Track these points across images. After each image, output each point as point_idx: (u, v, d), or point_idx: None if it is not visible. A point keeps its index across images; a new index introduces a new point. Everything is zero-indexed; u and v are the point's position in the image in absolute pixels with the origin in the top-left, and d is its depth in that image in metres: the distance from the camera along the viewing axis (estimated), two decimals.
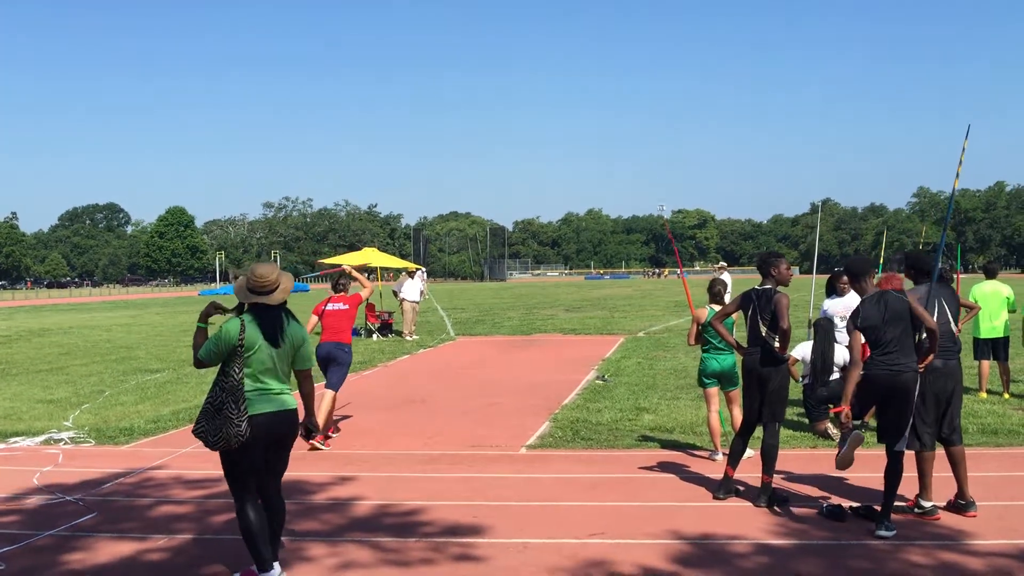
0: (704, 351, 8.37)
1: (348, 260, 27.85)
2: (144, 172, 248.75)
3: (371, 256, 27.68)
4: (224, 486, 7.74)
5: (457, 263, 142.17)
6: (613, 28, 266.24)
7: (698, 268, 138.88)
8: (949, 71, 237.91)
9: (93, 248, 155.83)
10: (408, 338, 22.60)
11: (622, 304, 39.90)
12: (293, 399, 5.45)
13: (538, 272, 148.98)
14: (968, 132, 8.01)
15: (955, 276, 7.14)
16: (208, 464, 8.58)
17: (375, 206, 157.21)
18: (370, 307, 24.36)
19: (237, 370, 5.19)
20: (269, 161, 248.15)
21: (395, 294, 24.05)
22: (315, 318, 9.97)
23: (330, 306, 9.98)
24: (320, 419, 8.98)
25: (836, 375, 8.76)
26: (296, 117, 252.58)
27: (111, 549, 6.04)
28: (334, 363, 9.80)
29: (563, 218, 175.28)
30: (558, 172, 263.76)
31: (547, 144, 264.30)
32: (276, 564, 5.26)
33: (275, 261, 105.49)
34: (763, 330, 7.12)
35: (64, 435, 10.19)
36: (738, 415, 8.31)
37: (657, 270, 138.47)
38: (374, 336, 23.19)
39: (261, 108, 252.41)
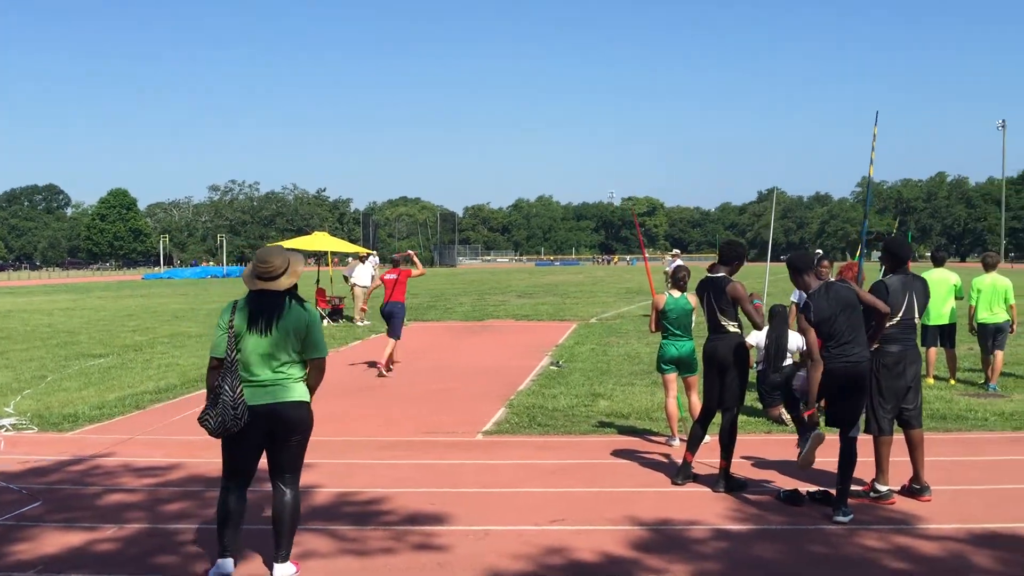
0: (663, 337, 8.38)
1: (299, 244, 27.45)
2: (85, 153, 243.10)
3: (321, 241, 27.32)
4: (175, 474, 7.60)
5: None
6: (564, 13, 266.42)
7: (648, 255, 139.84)
8: (891, 62, 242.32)
9: (32, 230, 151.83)
10: (359, 323, 22.37)
11: (573, 291, 40.01)
12: (295, 389, 5.10)
13: (488, 258, 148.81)
14: (876, 118, 8.12)
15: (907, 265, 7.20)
16: (158, 452, 8.39)
17: (324, 190, 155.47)
18: (320, 292, 24.07)
19: (231, 353, 5.01)
20: (215, 143, 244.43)
21: (346, 279, 23.77)
22: (378, 282, 14.82)
23: (387, 276, 14.24)
24: (383, 358, 13.72)
25: (788, 361, 8.83)
26: (242, 99, 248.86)
27: (59, 539, 5.85)
28: (393, 317, 13.85)
29: (513, 204, 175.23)
30: (509, 158, 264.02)
31: (498, 130, 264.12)
32: (278, 562, 5.10)
33: (221, 245, 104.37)
34: (720, 318, 7.16)
35: (5, 421, 9.88)
36: (696, 401, 8.34)
37: (607, 257, 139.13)
38: (325, 321, 22.92)
39: (206, 89, 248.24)
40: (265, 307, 5.07)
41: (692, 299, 8.19)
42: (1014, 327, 11.90)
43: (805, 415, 6.45)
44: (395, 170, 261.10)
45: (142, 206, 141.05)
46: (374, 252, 28.42)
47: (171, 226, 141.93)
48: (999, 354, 11.58)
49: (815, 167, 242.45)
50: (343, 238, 72.96)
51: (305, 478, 7.28)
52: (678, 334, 8.28)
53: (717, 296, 7.16)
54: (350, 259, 24.49)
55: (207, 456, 8.08)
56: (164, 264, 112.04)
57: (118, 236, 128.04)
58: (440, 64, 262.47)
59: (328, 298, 23.97)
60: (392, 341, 13.75)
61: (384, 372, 13.51)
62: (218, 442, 5.15)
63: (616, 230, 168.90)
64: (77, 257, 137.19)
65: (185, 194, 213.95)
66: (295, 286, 5.21)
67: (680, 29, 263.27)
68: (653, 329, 8.53)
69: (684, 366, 8.37)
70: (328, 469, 7.57)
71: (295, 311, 5.12)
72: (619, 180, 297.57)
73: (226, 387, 4.93)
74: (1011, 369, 12.83)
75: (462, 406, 10.76)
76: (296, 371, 5.15)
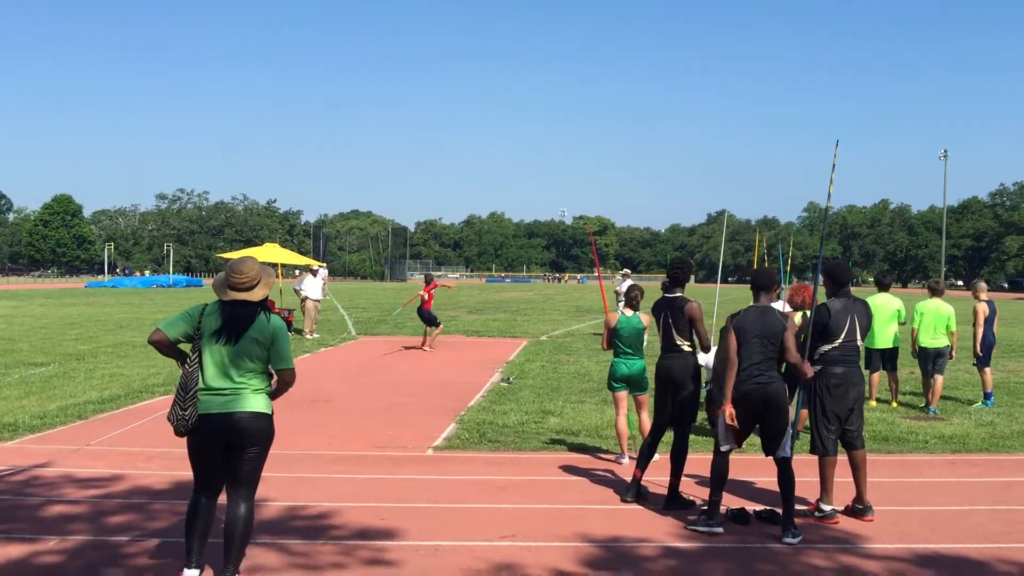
0: (615, 355, 8.46)
1: (247, 255, 27.05)
2: (28, 157, 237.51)
3: (272, 252, 27.07)
4: (118, 485, 7.45)
5: (357, 262, 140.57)
6: (517, 29, 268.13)
7: (618, 276, 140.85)
8: (838, 89, 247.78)
9: None
10: (308, 336, 22.18)
11: (524, 308, 40.11)
12: (254, 400, 5.03)
13: (439, 274, 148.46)
14: (837, 145, 8.34)
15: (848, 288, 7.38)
16: (100, 463, 8.22)
17: (274, 201, 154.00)
18: (270, 304, 23.78)
19: (193, 355, 5.00)
20: (163, 151, 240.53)
21: (296, 292, 23.55)
22: (421, 296, 20.37)
23: (430, 289, 20.09)
24: (429, 344, 19.89)
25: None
26: (191, 107, 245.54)
27: None
28: (426, 319, 20.09)
29: (465, 220, 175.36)
30: (462, 174, 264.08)
31: (451, 146, 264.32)
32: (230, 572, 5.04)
33: (168, 255, 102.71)
34: (676, 338, 7.26)
35: None
36: (646, 419, 8.42)
37: (558, 275, 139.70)
38: None
39: (155, 96, 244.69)
40: (236, 317, 5.04)
41: (645, 318, 8.29)
42: (954, 353, 12.21)
43: (716, 412, 6.58)
44: (347, 183, 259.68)
45: (87, 213, 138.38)
46: (324, 265, 28.16)
47: (116, 234, 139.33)
48: (939, 378, 11.86)
49: (763, 191, 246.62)
50: (293, 250, 72.35)
51: None
52: (629, 352, 8.36)
53: (675, 315, 7.26)
54: (298, 272, 24.33)
55: (151, 468, 7.95)
56: (108, 272, 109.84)
57: (61, 243, 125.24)
58: (393, 79, 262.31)
59: (278, 310, 23.70)
60: (436, 328, 20.32)
61: (426, 348, 19.74)
62: (162, 454, 5.12)
63: (567, 248, 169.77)
64: (18, 263, 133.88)
65: (132, 202, 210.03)
66: (265, 298, 5.20)
67: (630, 50, 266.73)
68: (605, 347, 8.60)
69: (634, 384, 8.45)
70: (277, 483, 7.49)
71: (263, 322, 5.10)
72: (571, 199, 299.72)
73: (181, 388, 4.94)
74: (950, 393, 13.16)
75: (412, 421, 10.71)
76: (257, 382, 5.11)
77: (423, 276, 22.94)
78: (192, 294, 53.47)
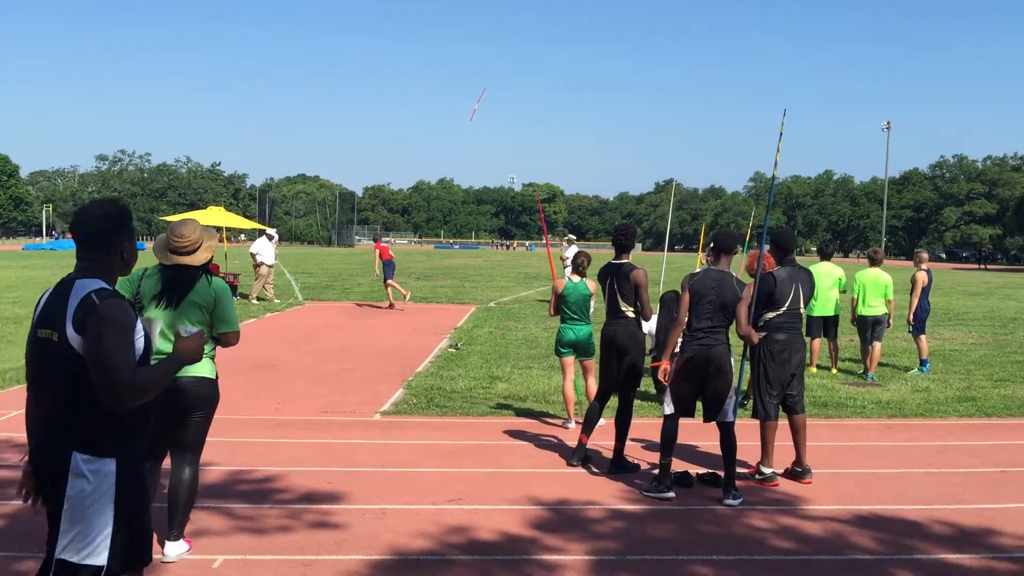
0: (562, 321, 8.50)
1: (192, 219, 26.52)
2: None
3: (216, 215, 26.58)
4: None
5: (304, 227, 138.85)
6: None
7: (564, 242, 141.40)
8: (784, 60, 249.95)
9: None
10: (253, 301, 21.94)
11: (472, 274, 40.08)
12: (198, 365, 4.88)
13: (387, 240, 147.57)
14: (784, 115, 8.43)
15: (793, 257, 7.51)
16: None
17: (218, 164, 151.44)
18: (214, 268, 23.43)
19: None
20: (103, 111, 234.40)
21: (253, 256, 23.16)
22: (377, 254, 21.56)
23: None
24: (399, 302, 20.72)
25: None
26: (132, 66, 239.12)
27: None
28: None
29: (414, 186, 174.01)
30: (411, 140, 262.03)
31: (400, 110, 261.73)
32: (170, 539, 4.99)
33: None
34: (621, 304, 7.31)
35: None
36: (592, 384, 8.50)
37: (506, 242, 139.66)
38: None
39: (94, 54, 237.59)
40: (178, 281, 4.96)
41: (591, 284, 8.34)
42: (891, 321, 12.51)
43: (651, 365, 6.68)
44: (294, 147, 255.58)
45: (24, 174, 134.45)
46: (274, 229, 27.74)
47: (55, 195, 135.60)
48: (877, 345, 12.15)
49: (710, 161, 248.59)
50: (239, 214, 71.25)
51: None
52: (576, 318, 8.41)
53: (620, 281, 7.30)
54: (243, 236, 24.11)
55: None
56: (46, 235, 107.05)
57: None
58: (342, 41, 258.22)
59: (222, 275, 23.38)
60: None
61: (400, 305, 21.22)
62: None
63: (516, 215, 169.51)
64: None
65: (71, 163, 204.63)
66: (209, 261, 5.11)
67: (582, 17, 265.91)
68: (552, 313, 8.64)
69: (581, 350, 8.51)
70: (221, 448, 7.41)
71: (204, 285, 5.01)
72: (520, 166, 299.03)
73: None
74: (888, 360, 13.49)
75: (360, 386, 10.68)
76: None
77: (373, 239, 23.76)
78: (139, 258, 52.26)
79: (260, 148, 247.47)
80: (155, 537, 5.15)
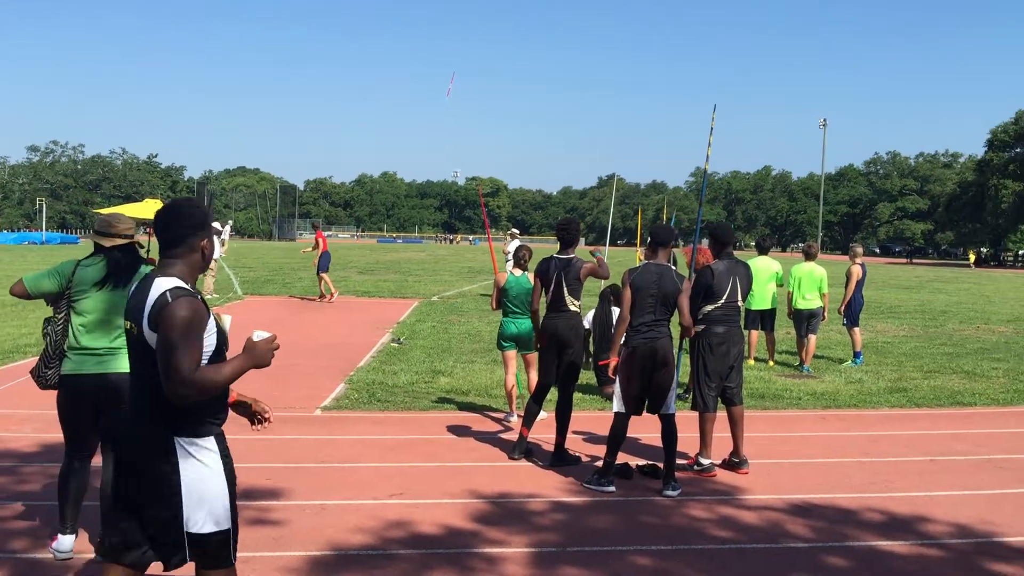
0: (504, 315, 8.51)
1: (128, 211, 26.01)
2: None
3: (154, 208, 26.03)
4: None
5: (244, 220, 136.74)
6: None
7: (506, 235, 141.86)
8: (725, 57, 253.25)
9: None
10: (208, 296, 21.59)
11: (416, 268, 39.91)
12: (121, 361, 4.81)
13: (329, 233, 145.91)
14: (715, 110, 8.55)
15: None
16: None
17: (155, 156, 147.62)
18: (151, 262, 22.94)
19: (59, 315, 4.87)
20: (35, 100, 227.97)
21: None
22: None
23: None
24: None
25: None
26: (65, 55, 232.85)
27: None
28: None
29: (356, 179, 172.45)
30: (353, 133, 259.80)
31: (342, 103, 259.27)
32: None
33: (41, 210, 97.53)
34: (567, 297, 7.32)
35: None
36: (535, 378, 8.52)
37: (450, 236, 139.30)
38: None
39: (24, 42, 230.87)
40: (123, 263, 4.94)
41: (531, 278, 8.35)
42: (826, 314, 12.77)
43: (600, 364, 6.75)
44: (233, 139, 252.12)
45: None
46: (223, 222, 27.31)
47: None
48: (812, 338, 12.40)
49: (652, 156, 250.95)
50: None
51: None
52: (518, 312, 8.42)
53: (568, 276, 7.29)
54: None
55: (23, 431, 7.62)
56: None
57: None
58: (281, 33, 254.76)
59: None
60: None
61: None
62: (35, 416, 4.92)
63: (460, 209, 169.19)
64: None
65: (1, 154, 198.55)
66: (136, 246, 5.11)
67: (526, 12, 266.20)
68: (494, 307, 8.65)
69: (523, 343, 8.53)
70: None
71: (146, 268, 4.96)
72: (465, 160, 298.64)
73: (48, 345, 4.84)
74: (823, 352, 13.79)
75: (301, 382, 10.57)
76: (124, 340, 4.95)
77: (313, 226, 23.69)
78: (67, 251, 51.10)
79: (199, 140, 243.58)
80: (85, 538, 5.07)
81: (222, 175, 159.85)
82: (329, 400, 9.49)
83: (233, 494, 3.38)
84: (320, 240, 22.08)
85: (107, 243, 4.96)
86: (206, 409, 3.32)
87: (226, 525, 3.35)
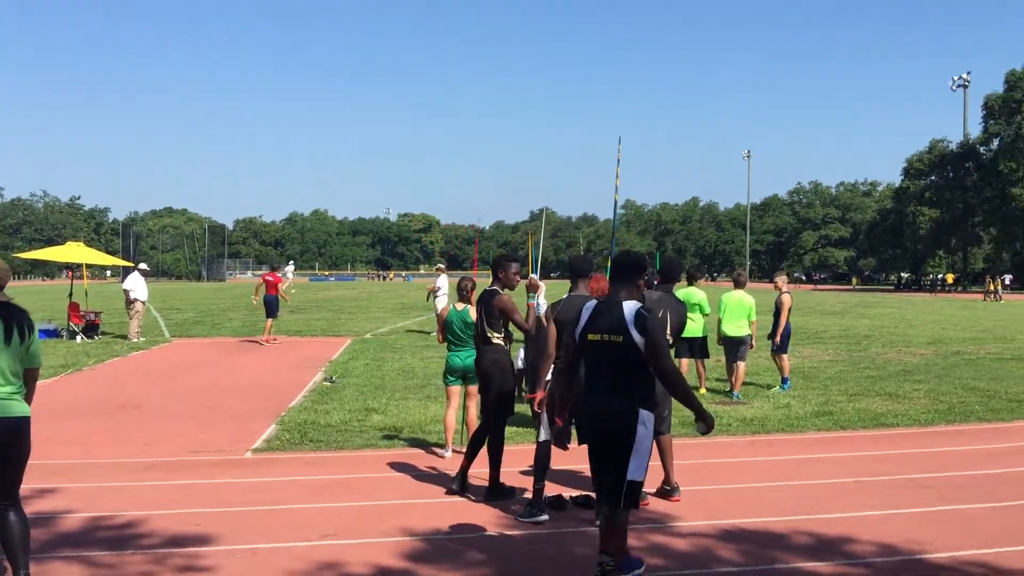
0: (448, 349, 8.52)
1: (50, 255, 25.47)
2: None
3: (76, 252, 25.48)
4: None
5: (172, 262, 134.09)
6: (341, 25, 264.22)
7: (423, 271, 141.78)
8: (648, 93, 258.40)
9: None
10: (134, 339, 21.08)
11: (348, 306, 39.57)
12: (22, 404, 4.87)
13: (260, 272, 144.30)
14: (620, 141, 8.77)
15: (654, 283, 7.80)
16: None
17: (78, 198, 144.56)
18: (74, 306, 22.41)
19: None
20: None
21: (126, 293, 22.17)
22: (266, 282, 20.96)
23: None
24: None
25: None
26: None
27: None
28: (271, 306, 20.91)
29: (287, 218, 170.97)
30: (283, 171, 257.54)
31: (272, 142, 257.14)
32: None
33: None
34: (488, 331, 7.36)
35: None
36: (472, 409, 8.55)
37: (383, 273, 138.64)
38: (77, 338, 21.36)
39: None
40: (14, 314, 4.88)
41: (474, 311, 8.35)
42: (754, 342, 13.03)
43: (527, 397, 6.79)
44: (159, 179, 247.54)
45: None
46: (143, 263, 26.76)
47: None
48: (741, 365, 12.63)
49: (583, 189, 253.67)
50: (101, 250, 68.32)
51: (51, 503, 6.85)
52: (459, 345, 8.42)
53: (488, 308, 7.35)
54: (108, 272, 23.25)
55: None
56: None
57: None
58: (206, 70, 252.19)
59: (82, 313, 22.38)
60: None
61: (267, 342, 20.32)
62: None
63: (393, 246, 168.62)
64: None
65: None
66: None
67: (452, 45, 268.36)
68: (440, 340, 8.68)
69: (468, 377, 8.50)
70: (79, 494, 7.09)
71: (24, 319, 4.94)
72: (396, 196, 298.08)
73: None
74: (752, 379, 14.04)
75: (230, 424, 10.39)
76: (20, 384, 4.94)
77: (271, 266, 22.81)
78: None
79: (123, 181, 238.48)
80: None
81: (148, 216, 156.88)
82: (259, 442, 9.33)
83: None
84: (274, 281, 21.46)
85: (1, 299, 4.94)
86: (649, 391, 4.92)
87: (644, 476, 4.98)
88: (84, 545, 5.89)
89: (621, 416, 4.91)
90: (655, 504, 7.00)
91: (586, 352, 5.14)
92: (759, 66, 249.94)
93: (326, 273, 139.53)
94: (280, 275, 23.08)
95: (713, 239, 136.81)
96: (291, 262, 28.78)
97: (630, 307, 4.98)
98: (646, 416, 4.93)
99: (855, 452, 9.04)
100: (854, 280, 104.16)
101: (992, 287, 52.63)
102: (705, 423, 5.09)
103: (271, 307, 21.01)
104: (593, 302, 5.25)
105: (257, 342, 20.68)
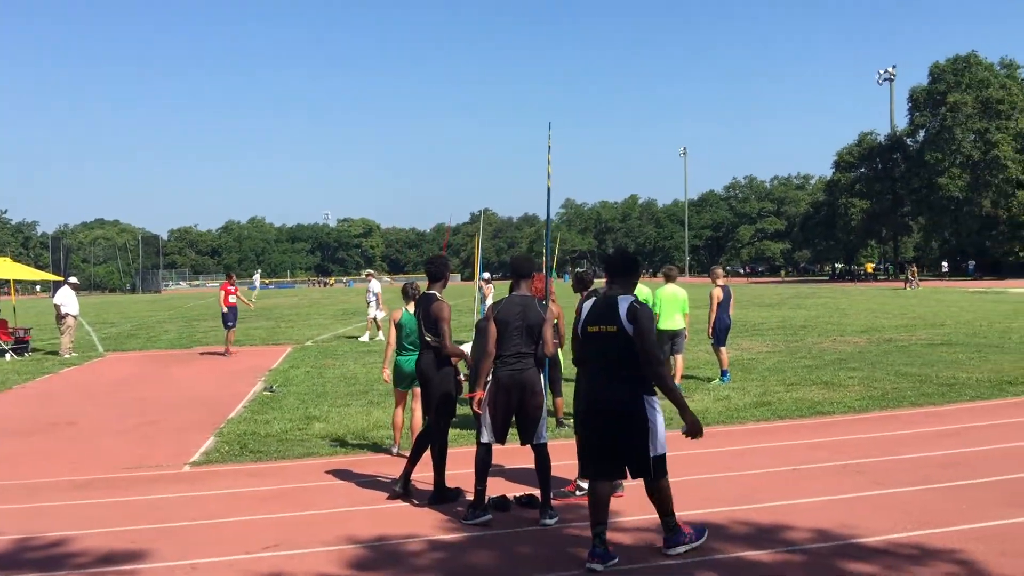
0: (397, 352, 8.51)
1: None
2: None
3: (3, 268, 24.75)
4: None
5: (104, 274, 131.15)
6: (275, 31, 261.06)
7: (363, 276, 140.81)
8: (586, 91, 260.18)
9: None
10: (67, 355, 20.54)
11: (288, 314, 39.12)
12: None
13: (197, 283, 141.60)
14: (550, 127, 8.83)
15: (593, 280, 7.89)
16: None
17: (4, 212, 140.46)
18: (2, 323, 21.77)
19: None
20: None
21: (57, 308, 21.56)
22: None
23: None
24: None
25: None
26: None
27: None
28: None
29: (223, 226, 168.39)
30: (217, 179, 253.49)
31: (205, 149, 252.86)
32: None
33: None
34: (426, 334, 7.33)
35: None
36: (417, 410, 8.52)
37: (323, 279, 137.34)
38: (7, 356, 20.75)
39: None
40: None
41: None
42: (687, 333, 13.19)
43: (467, 396, 6.82)
44: (88, 191, 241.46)
45: None
46: (73, 276, 26.09)
47: None
48: (679, 358, 12.77)
49: (523, 189, 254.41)
50: (29, 264, 66.54)
51: None
52: (411, 349, 8.39)
53: (425, 312, 7.32)
54: (38, 287, 22.66)
55: None
56: None
57: None
58: (133, 79, 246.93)
59: (11, 329, 21.76)
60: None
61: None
62: None
63: (333, 251, 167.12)
64: None
65: None
66: None
67: (389, 48, 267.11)
68: (392, 344, 8.68)
69: (413, 379, 8.45)
70: (7, 515, 6.89)
71: None
72: (335, 201, 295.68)
73: None
74: (691, 372, 14.21)
75: (168, 438, 10.19)
76: None
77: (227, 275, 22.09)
78: None
79: (51, 193, 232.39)
80: None
81: (79, 228, 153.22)
82: (198, 455, 9.17)
83: None
84: (231, 291, 20.95)
85: None
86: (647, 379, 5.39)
87: (665, 450, 5.73)
88: (13, 567, 5.72)
89: (624, 403, 5.55)
90: None
91: (586, 344, 5.80)
92: (690, 61, 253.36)
93: (266, 281, 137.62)
94: (251, 284, 22.70)
95: (653, 236, 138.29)
96: (258, 270, 28.54)
97: (624, 300, 5.63)
98: (650, 399, 5.58)
99: (793, 441, 9.21)
100: (783, 272, 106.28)
101: (910, 275, 55.07)
102: (687, 423, 5.64)
103: (228, 317, 20.65)
104: (593, 299, 5.89)
105: (221, 354, 20.31)
